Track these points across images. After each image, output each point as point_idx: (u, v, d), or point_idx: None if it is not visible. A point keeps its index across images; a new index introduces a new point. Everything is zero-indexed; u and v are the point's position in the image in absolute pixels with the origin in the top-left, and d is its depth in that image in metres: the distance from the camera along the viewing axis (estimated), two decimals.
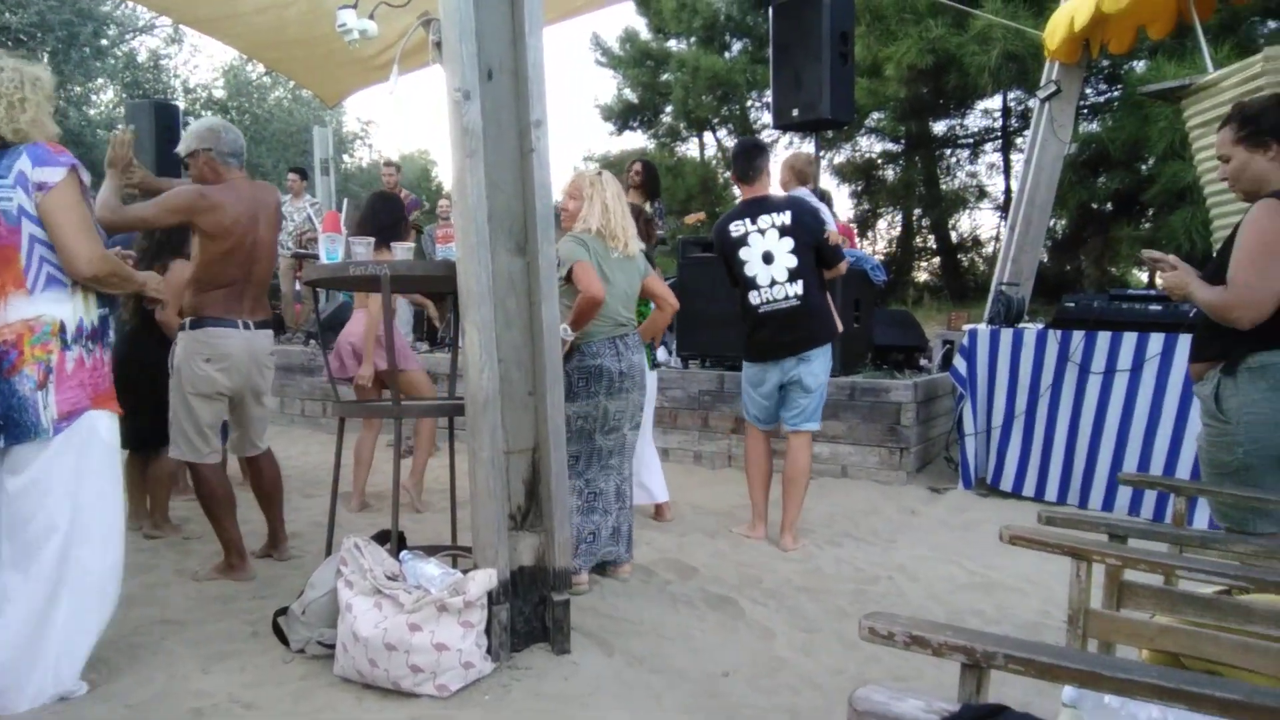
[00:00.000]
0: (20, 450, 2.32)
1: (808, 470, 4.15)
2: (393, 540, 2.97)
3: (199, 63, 27.20)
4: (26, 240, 2.32)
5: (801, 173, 5.81)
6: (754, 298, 4.07)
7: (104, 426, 2.45)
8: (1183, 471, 4.38)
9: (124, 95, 18.13)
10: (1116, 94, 11.66)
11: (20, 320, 2.31)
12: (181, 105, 15.58)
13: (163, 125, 8.44)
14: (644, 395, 3.61)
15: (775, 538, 4.15)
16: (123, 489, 2.54)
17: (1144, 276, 13.43)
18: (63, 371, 2.34)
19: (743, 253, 4.08)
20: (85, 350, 2.43)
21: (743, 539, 4.19)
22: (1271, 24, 9.72)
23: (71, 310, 2.40)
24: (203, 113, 20.37)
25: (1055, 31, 6.33)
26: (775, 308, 4.04)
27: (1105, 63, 11.14)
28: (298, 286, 8.56)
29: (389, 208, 4.65)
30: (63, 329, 2.36)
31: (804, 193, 5.43)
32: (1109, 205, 12.23)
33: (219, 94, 20.91)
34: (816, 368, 4.07)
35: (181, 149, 3.51)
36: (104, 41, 17.89)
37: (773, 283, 4.04)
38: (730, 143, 17.73)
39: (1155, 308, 4.68)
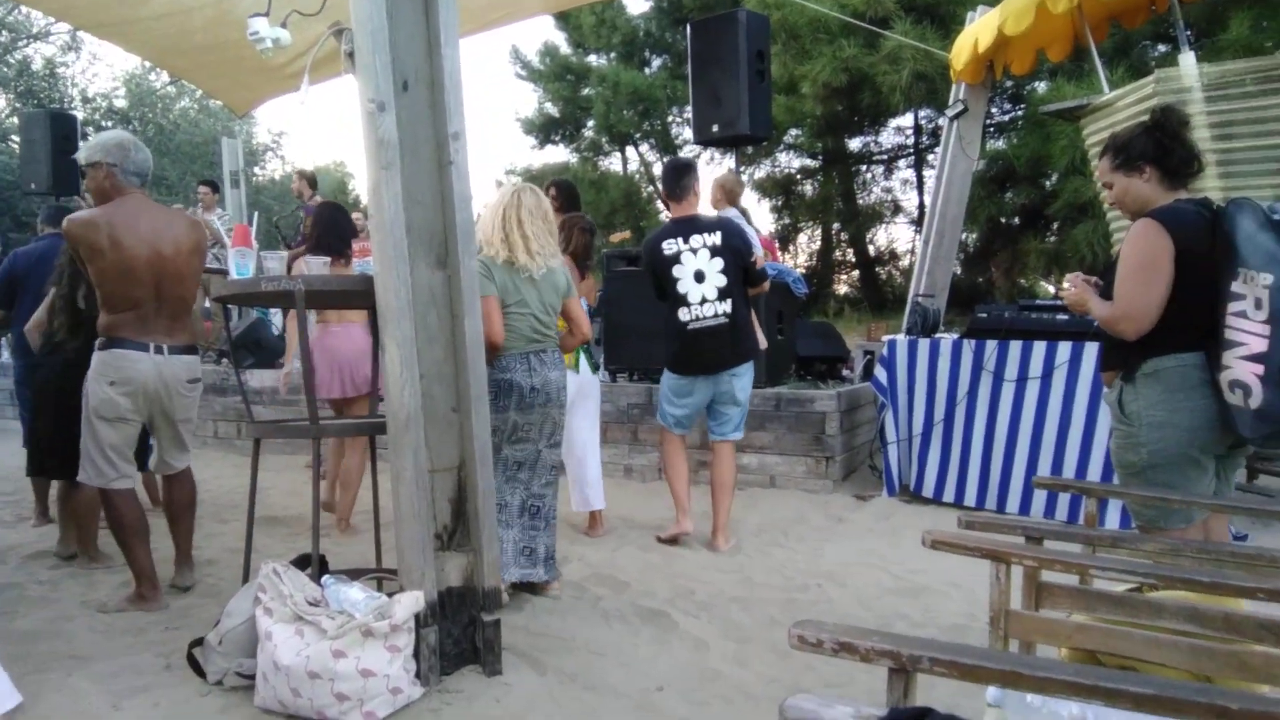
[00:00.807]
0: None
1: (734, 475, 4.41)
2: (314, 564, 2.88)
3: (98, 71, 26.17)
4: None
5: (731, 192, 5.94)
6: (684, 314, 4.18)
7: None
8: (1094, 474, 4.57)
9: (17, 105, 17.27)
10: (1020, 113, 12.17)
11: None
12: (80, 115, 14.91)
13: (59, 135, 8.09)
14: (563, 412, 3.58)
15: (705, 539, 4.33)
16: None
17: (1050, 288, 14.01)
18: None
19: (675, 270, 4.19)
20: None
21: (673, 551, 4.20)
22: (1162, 48, 10.29)
23: None
24: (103, 124, 19.54)
25: (961, 53, 6.57)
26: (704, 325, 4.16)
27: (1009, 83, 11.62)
28: (207, 303, 8.25)
29: (345, 217, 4.54)
30: None
31: (733, 213, 5.55)
32: (1016, 219, 12.74)
33: (120, 103, 20.10)
34: (745, 382, 4.27)
35: (82, 157, 3.39)
36: None
37: (703, 300, 4.16)
38: (652, 157, 17.87)
39: (1062, 317, 4.87)
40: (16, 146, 13.55)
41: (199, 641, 2.71)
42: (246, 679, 2.54)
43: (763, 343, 4.55)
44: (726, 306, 4.15)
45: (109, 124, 19.71)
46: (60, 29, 17.74)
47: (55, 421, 3.87)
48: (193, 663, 2.69)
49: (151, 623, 3.19)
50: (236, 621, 2.62)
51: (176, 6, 4.31)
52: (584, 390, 4.36)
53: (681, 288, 4.18)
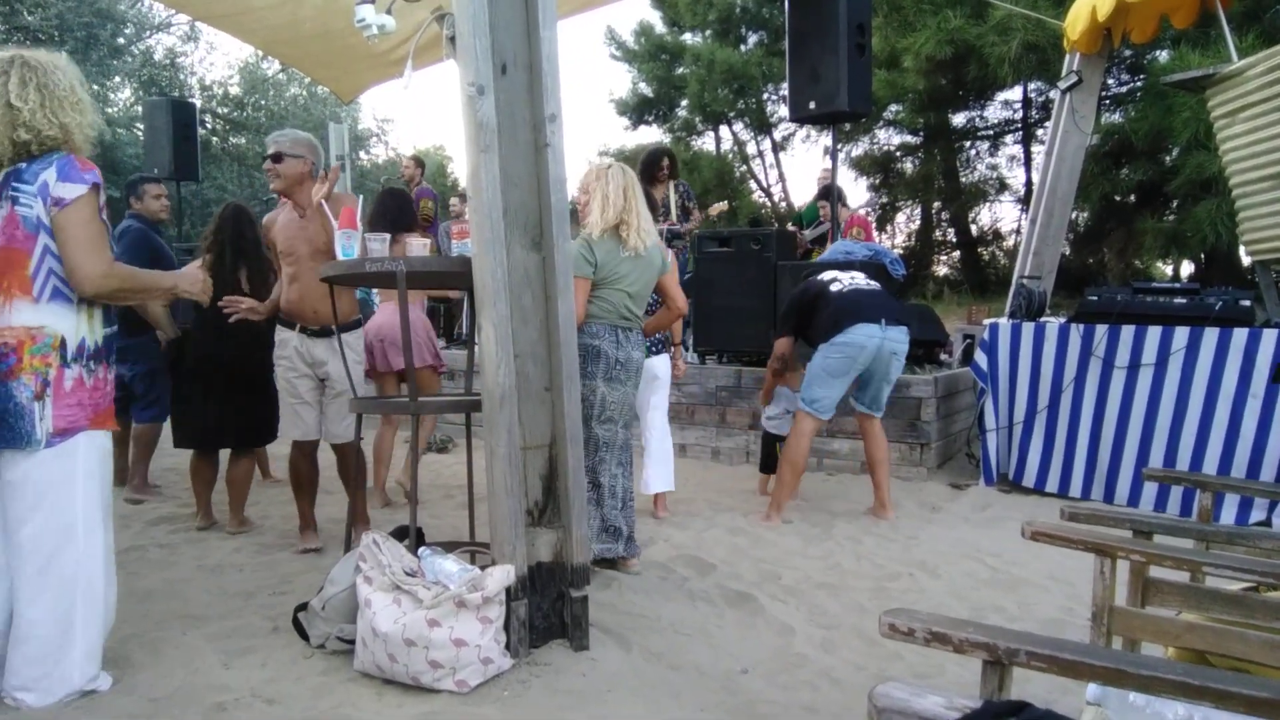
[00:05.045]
0: (9, 455, 2.31)
1: (888, 449, 4.60)
2: (411, 536, 2.98)
3: (214, 60, 27.31)
4: (40, 250, 2.31)
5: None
6: (834, 287, 4.41)
7: (99, 445, 2.43)
8: (1209, 467, 4.33)
9: (141, 93, 18.24)
10: (1139, 84, 11.52)
11: (23, 326, 2.29)
12: (198, 103, 15.66)
13: (180, 122, 8.49)
14: (636, 392, 3.67)
15: (868, 510, 4.20)
16: (111, 497, 2.52)
17: (1168, 269, 13.28)
18: (60, 388, 2.31)
19: (832, 286, 4.44)
20: (86, 370, 2.38)
21: (760, 535, 4.17)
22: None
23: (74, 327, 2.36)
24: (219, 110, 20.48)
25: (1076, 21, 6.25)
26: (856, 287, 4.39)
27: (1128, 53, 11.00)
28: None
29: (398, 201, 4.69)
30: (63, 345, 2.33)
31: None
32: (1132, 197, 12.09)
33: (235, 90, 21.02)
34: (901, 364, 4.40)
35: (286, 146, 3.69)
36: (121, 40, 18.00)
37: (852, 278, 4.46)
38: (746, 136, 17.68)
39: (1180, 301, 4.61)
40: (140, 133, 14.34)
41: (303, 606, 2.84)
42: (347, 643, 2.65)
43: None
44: (877, 285, 4.47)
45: (225, 110, 20.65)
46: (180, 20, 18.63)
47: (238, 395, 4.12)
48: (297, 626, 2.82)
49: (260, 587, 3.36)
50: (338, 589, 2.73)
51: None
52: (653, 371, 4.32)
53: (834, 287, 4.42)
